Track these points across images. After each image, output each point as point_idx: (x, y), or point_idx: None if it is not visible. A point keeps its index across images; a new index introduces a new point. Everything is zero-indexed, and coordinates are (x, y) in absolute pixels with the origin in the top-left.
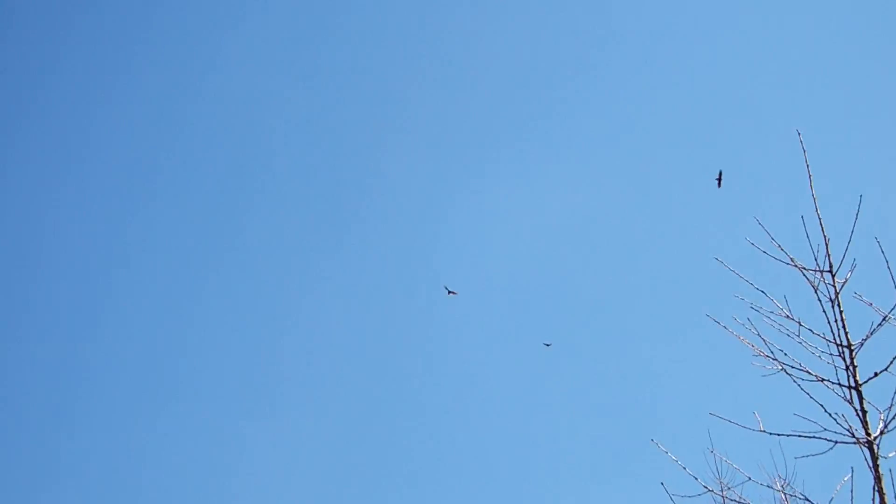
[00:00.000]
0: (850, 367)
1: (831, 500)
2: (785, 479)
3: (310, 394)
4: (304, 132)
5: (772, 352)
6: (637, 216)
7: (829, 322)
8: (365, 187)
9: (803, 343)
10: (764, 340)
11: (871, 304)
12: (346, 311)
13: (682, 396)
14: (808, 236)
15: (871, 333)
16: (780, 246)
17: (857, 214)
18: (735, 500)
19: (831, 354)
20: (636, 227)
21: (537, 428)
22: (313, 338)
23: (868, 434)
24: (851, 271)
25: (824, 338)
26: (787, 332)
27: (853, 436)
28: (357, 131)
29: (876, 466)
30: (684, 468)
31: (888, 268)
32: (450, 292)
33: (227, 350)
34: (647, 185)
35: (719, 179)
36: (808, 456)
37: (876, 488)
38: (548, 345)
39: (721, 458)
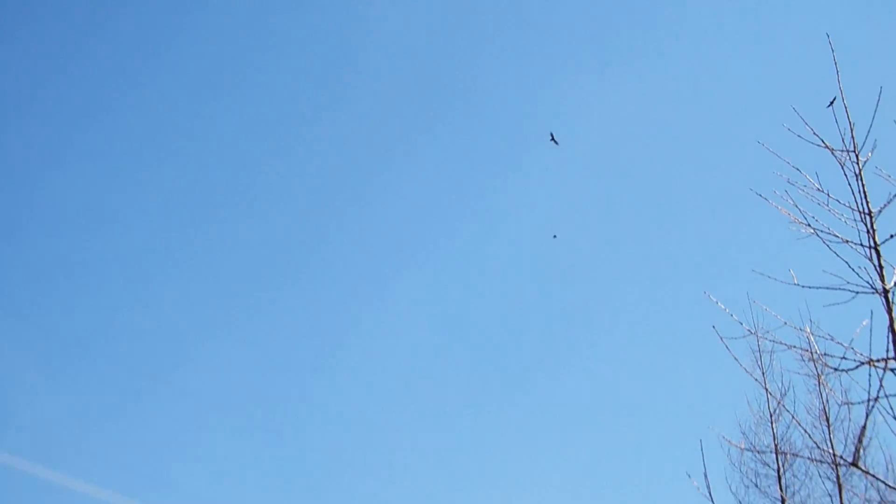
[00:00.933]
0: (871, 231)
1: (852, 340)
2: (814, 323)
3: None
4: None
5: (805, 219)
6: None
7: (853, 193)
8: None
9: (832, 211)
10: (799, 210)
11: (888, 178)
12: None
13: (730, 258)
14: (836, 122)
15: (889, 203)
16: (812, 130)
17: (877, 103)
18: (771, 340)
19: (855, 220)
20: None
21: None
22: None
23: (885, 285)
24: (872, 151)
25: (849, 206)
26: (818, 202)
27: (872, 287)
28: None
29: (890, 312)
30: (731, 315)
31: None
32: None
33: None
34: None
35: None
36: (833, 305)
37: (890, 330)
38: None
39: (762, 307)
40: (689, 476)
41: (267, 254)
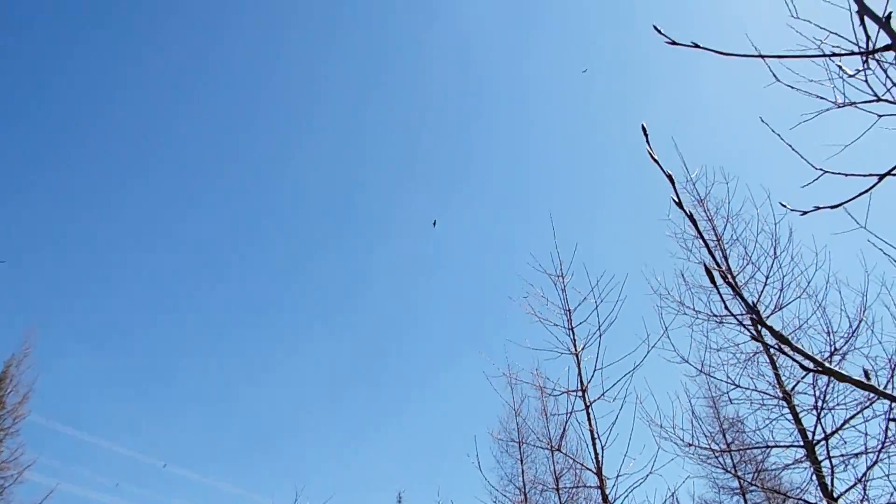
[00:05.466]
0: (570, 320)
1: (558, 379)
2: (540, 370)
3: None
4: None
5: (535, 312)
6: None
7: (559, 299)
8: None
9: (549, 308)
10: (532, 308)
11: (578, 291)
12: None
13: (494, 333)
14: (552, 260)
15: (580, 304)
16: (541, 266)
17: (574, 252)
18: (517, 379)
19: (562, 314)
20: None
21: None
22: None
23: (576, 351)
24: (571, 276)
25: (558, 306)
26: (544, 303)
27: (570, 351)
28: None
29: (578, 365)
30: (494, 364)
31: None
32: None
33: None
34: None
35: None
36: (549, 360)
37: (578, 375)
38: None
39: (511, 360)
40: (468, 455)
41: None
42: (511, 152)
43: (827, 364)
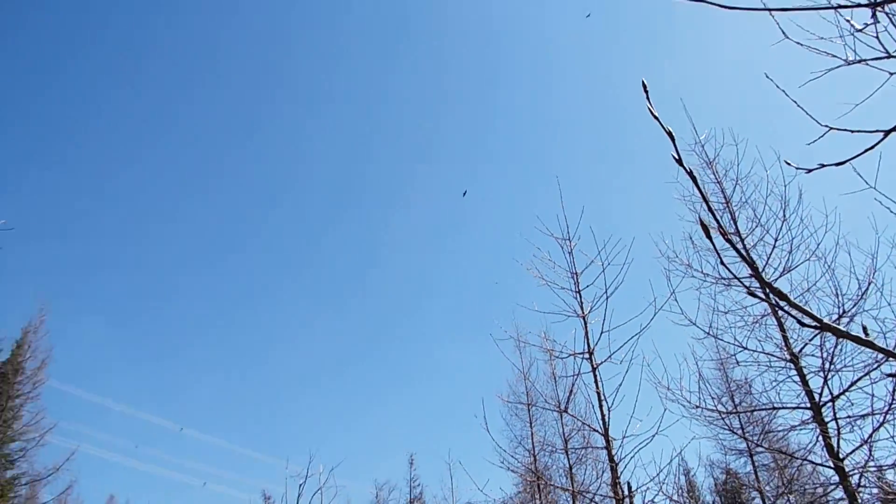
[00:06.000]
0: (577, 283)
1: (566, 341)
2: (548, 332)
3: None
4: None
5: (542, 276)
6: None
7: (566, 262)
8: None
9: (556, 271)
10: (539, 271)
11: (585, 254)
12: None
13: (503, 297)
14: (559, 225)
15: (586, 267)
16: (548, 230)
17: (580, 216)
18: (524, 342)
19: (569, 277)
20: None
21: None
22: None
23: (583, 313)
24: (578, 239)
25: (565, 269)
26: (551, 266)
27: (577, 314)
28: None
29: (585, 328)
30: (501, 327)
31: None
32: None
33: None
34: None
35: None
36: (557, 322)
37: (585, 336)
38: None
39: (519, 323)
40: (476, 416)
41: None
42: (521, 116)
43: (831, 323)
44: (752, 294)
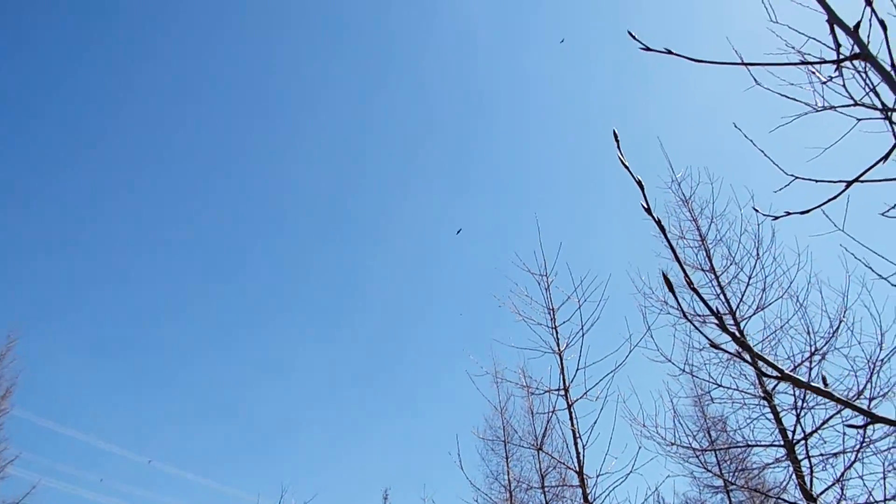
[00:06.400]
0: (553, 319)
1: (541, 378)
2: (526, 369)
3: None
4: None
5: (519, 311)
6: None
7: (543, 298)
8: None
9: (532, 307)
10: (515, 306)
11: (561, 290)
12: None
13: (481, 333)
14: (536, 260)
15: (563, 304)
16: (525, 265)
17: (558, 252)
18: (501, 378)
19: (545, 313)
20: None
21: None
22: None
23: (559, 350)
24: (555, 276)
25: (542, 305)
26: (527, 302)
27: (553, 350)
28: None
29: (561, 364)
30: (479, 364)
31: None
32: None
33: None
34: None
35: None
36: (534, 358)
37: (561, 372)
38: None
39: (497, 359)
40: (450, 453)
41: None
42: (500, 153)
43: (791, 373)
44: (724, 350)
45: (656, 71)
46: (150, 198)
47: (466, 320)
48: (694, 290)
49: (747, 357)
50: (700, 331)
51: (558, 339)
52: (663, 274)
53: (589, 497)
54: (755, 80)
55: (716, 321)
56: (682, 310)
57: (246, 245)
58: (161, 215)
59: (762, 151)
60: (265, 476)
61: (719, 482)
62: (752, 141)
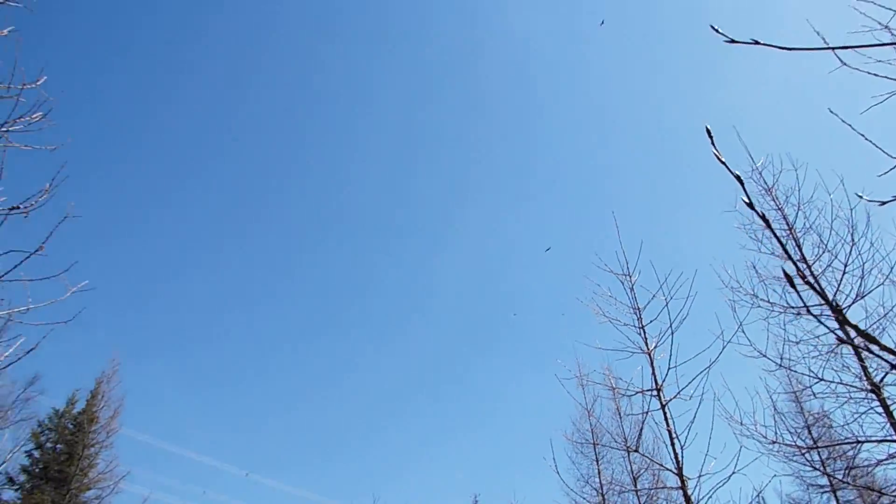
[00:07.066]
0: (640, 318)
1: (631, 379)
2: (611, 370)
3: None
4: None
5: (603, 313)
6: None
7: (628, 298)
8: None
9: (617, 308)
10: (600, 308)
11: (646, 289)
12: None
13: (563, 336)
14: (618, 260)
15: (648, 303)
16: (607, 266)
17: (640, 250)
18: (588, 381)
19: (631, 313)
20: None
21: None
22: None
23: (648, 350)
24: (638, 275)
25: (627, 305)
26: (612, 303)
27: (642, 350)
28: None
29: (652, 364)
30: (565, 366)
31: None
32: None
33: None
34: None
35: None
36: (620, 360)
37: (652, 374)
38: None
39: (582, 361)
40: (545, 458)
41: None
42: (573, 152)
43: None
44: (841, 340)
45: (728, 60)
46: (215, 212)
47: (552, 321)
48: (808, 283)
49: (874, 349)
50: (822, 323)
51: (646, 338)
52: (783, 270)
53: (691, 499)
54: (841, 60)
55: (829, 313)
56: (804, 304)
57: (312, 256)
58: (228, 227)
59: (863, 136)
60: (355, 485)
61: (825, 481)
62: (850, 125)
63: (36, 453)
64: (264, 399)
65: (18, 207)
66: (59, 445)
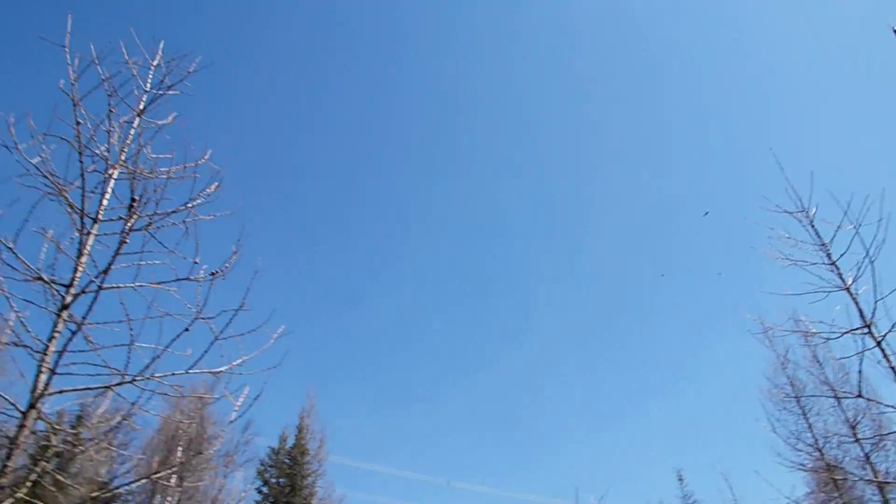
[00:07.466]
0: (829, 254)
1: (833, 319)
2: (799, 314)
3: None
4: None
5: (785, 256)
6: None
7: (810, 236)
8: None
9: (799, 249)
10: (780, 252)
11: (830, 223)
12: None
13: (747, 286)
14: (789, 196)
15: (833, 237)
16: (779, 206)
17: (811, 181)
18: (778, 329)
19: (817, 251)
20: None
21: None
22: None
23: (846, 285)
24: (816, 208)
25: (811, 244)
26: (791, 245)
27: (840, 287)
28: None
29: (855, 301)
30: (756, 320)
31: None
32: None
33: None
34: None
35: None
36: (813, 303)
37: (858, 311)
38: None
39: (770, 311)
40: (757, 420)
41: None
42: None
43: None
44: None
45: None
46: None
47: (725, 278)
48: None
49: None
50: None
51: (840, 273)
52: None
53: None
54: None
55: None
56: None
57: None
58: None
59: None
60: (551, 475)
61: None
62: None
63: (265, 489)
64: (449, 405)
65: (217, 273)
66: (281, 479)
